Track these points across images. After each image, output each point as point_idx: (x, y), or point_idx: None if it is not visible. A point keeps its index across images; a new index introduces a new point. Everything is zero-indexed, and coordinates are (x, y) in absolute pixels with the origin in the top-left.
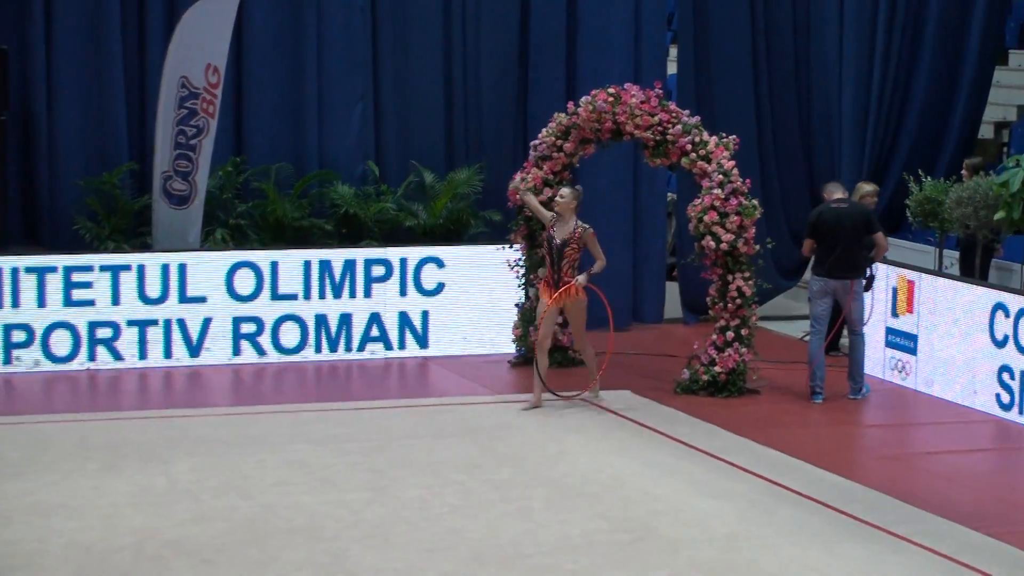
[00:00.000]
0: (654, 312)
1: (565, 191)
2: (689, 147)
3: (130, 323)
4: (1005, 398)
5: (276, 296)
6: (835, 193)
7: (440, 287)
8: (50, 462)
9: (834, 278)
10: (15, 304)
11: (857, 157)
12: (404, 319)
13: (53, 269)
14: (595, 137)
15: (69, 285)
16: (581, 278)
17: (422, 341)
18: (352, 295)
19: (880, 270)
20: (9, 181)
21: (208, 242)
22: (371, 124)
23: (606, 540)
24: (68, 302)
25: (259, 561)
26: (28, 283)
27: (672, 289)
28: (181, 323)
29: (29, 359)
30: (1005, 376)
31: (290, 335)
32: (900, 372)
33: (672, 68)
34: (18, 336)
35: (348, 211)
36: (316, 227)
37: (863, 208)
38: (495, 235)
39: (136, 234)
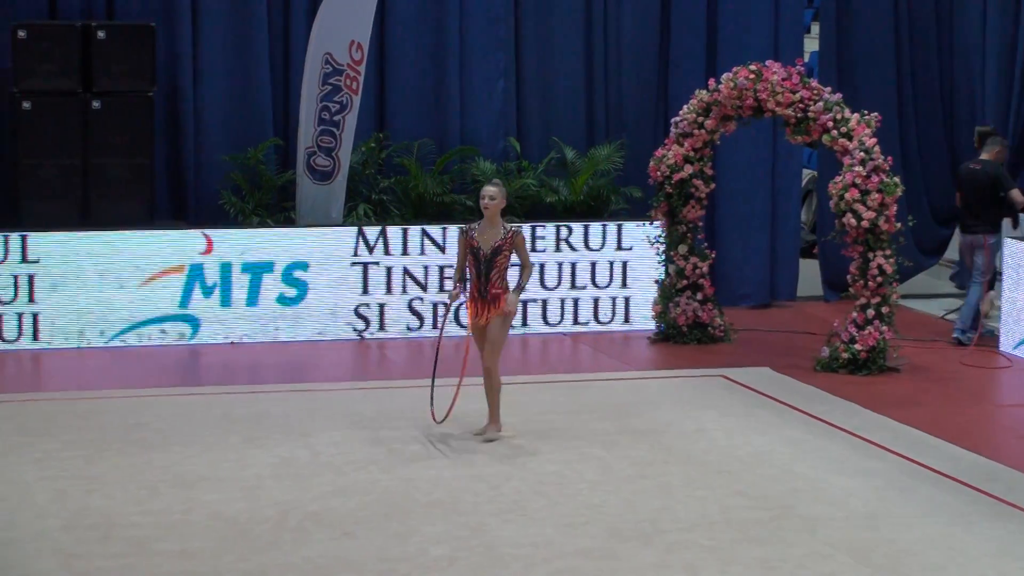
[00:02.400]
0: (789, 290)
1: (492, 189)
2: (831, 124)
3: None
4: None
5: None
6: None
7: (575, 264)
8: (194, 434)
9: (966, 233)
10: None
11: (1001, 132)
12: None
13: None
14: (736, 114)
15: None
16: (512, 299)
17: (555, 318)
18: None
19: None
20: (156, 157)
21: (351, 217)
22: (513, 101)
23: (744, 517)
24: None
25: (399, 534)
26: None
27: (811, 267)
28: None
29: (174, 332)
30: None
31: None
32: None
33: (812, 45)
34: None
35: None
36: (457, 202)
37: (993, 169)
38: (636, 211)
39: (280, 209)
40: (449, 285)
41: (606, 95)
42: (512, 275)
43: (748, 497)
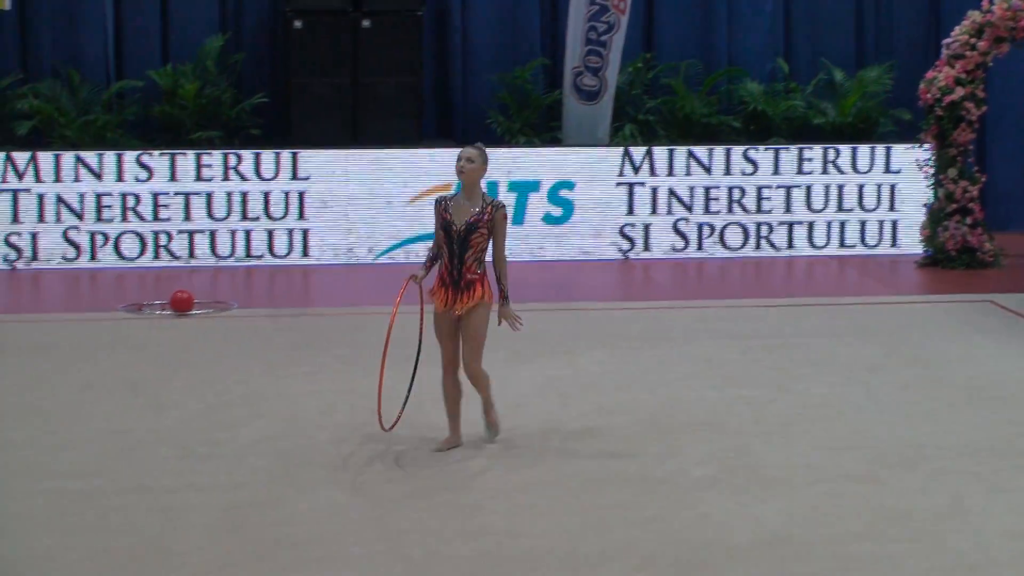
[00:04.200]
0: None
1: (471, 151)
2: None
3: None
4: None
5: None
6: None
7: (842, 187)
8: None
9: None
10: None
11: None
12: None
13: None
14: (1009, 35)
15: None
16: (508, 311)
17: (821, 240)
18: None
19: None
20: (424, 76)
21: (616, 137)
22: (781, 21)
23: (1013, 446)
24: None
25: (661, 453)
26: None
27: None
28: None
29: None
30: None
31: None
32: None
33: None
34: None
35: (756, 108)
36: (724, 124)
37: None
38: (904, 134)
39: (546, 128)
40: None
41: (876, 16)
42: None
43: (1017, 424)
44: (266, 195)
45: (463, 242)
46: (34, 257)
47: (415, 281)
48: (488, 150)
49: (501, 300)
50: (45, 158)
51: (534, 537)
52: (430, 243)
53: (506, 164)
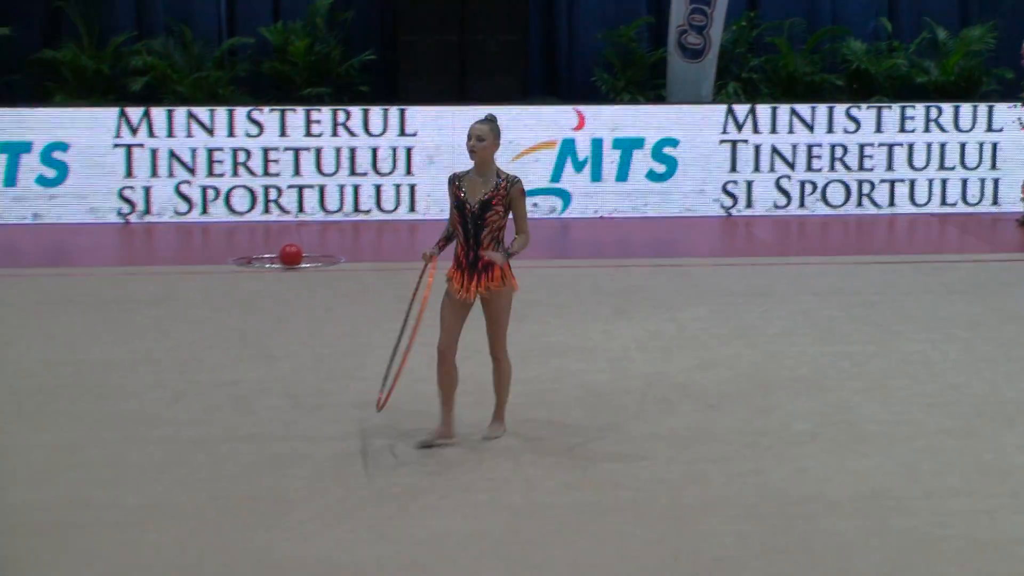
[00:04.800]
0: None
1: (481, 127)
2: None
3: None
4: None
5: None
6: None
7: (944, 145)
8: (564, 306)
9: None
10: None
11: None
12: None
13: None
14: None
15: None
16: (497, 256)
17: (922, 198)
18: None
19: None
20: (530, 34)
21: (720, 95)
22: None
23: None
24: None
25: (762, 408)
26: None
27: None
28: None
29: (546, 205)
30: None
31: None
32: None
33: None
34: None
35: (859, 67)
36: (827, 82)
37: None
38: (1007, 93)
39: (651, 86)
40: None
41: None
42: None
43: None
44: (374, 151)
45: (478, 220)
46: (147, 211)
47: (425, 259)
48: (593, 107)
49: (504, 250)
50: (158, 114)
51: (637, 489)
52: (536, 198)
53: (611, 121)
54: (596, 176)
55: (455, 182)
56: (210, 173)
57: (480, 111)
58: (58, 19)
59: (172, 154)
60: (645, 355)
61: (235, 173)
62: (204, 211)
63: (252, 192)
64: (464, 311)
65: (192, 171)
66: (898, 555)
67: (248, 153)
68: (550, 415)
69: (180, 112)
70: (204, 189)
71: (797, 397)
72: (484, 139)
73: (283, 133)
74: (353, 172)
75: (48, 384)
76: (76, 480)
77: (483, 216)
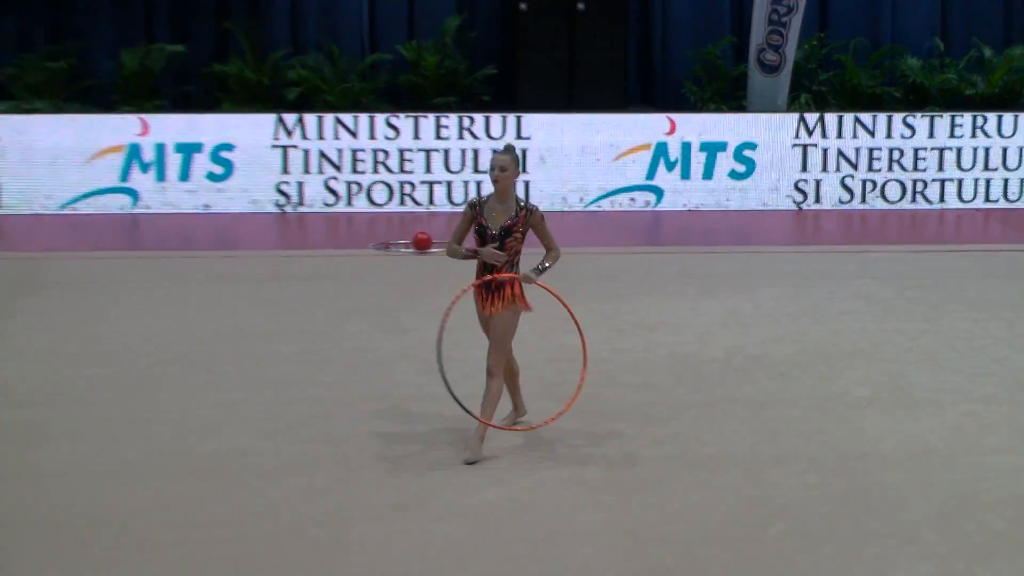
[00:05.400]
0: None
1: (503, 158)
2: None
3: None
4: None
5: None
6: None
7: (988, 149)
8: (655, 286)
9: None
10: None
11: None
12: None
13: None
14: None
15: None
16: (529, 275)
17: (969, 195)
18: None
19: None
20: (629, 51)
21: (793, 105)
22: (938, 3)
23: None
24: None
25: (826, 376)
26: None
27: None
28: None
29: (641, 200)
30: None
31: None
32: None
33: None
34: None
35: (915, 80)
36: (887, 94)
37: None
38: None
39: (733, 97)
40: None
41: None
42: (528, 264)
43: None
44: (494, 152)
45: (498, 246)
46: (300, 203)
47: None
48: (683, 115)
49: (535, 268)
50: (310, 119)
51: (718, 444)
52: (633, 193)
53: (698, 127)
54: (685, 175)
55: (476, 208)
56: (354, 170)
57: (586, 117)
58: (225, 38)
59: (322, 154)
60: (726, 330)
61: (375, 171)
62: (349, 203)
63: (390, 187)
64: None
65: (339, 169)
66: (942, 505)
67: (386, 153)
68: (643, 380)
69: (328, 118)
70: (349, 184)
71: (857, 367)
72: (507, 169)
73: (416, 136)
74: (476, 170)
75: (215, 351)
76: (237, 433)
77: (503, 241)
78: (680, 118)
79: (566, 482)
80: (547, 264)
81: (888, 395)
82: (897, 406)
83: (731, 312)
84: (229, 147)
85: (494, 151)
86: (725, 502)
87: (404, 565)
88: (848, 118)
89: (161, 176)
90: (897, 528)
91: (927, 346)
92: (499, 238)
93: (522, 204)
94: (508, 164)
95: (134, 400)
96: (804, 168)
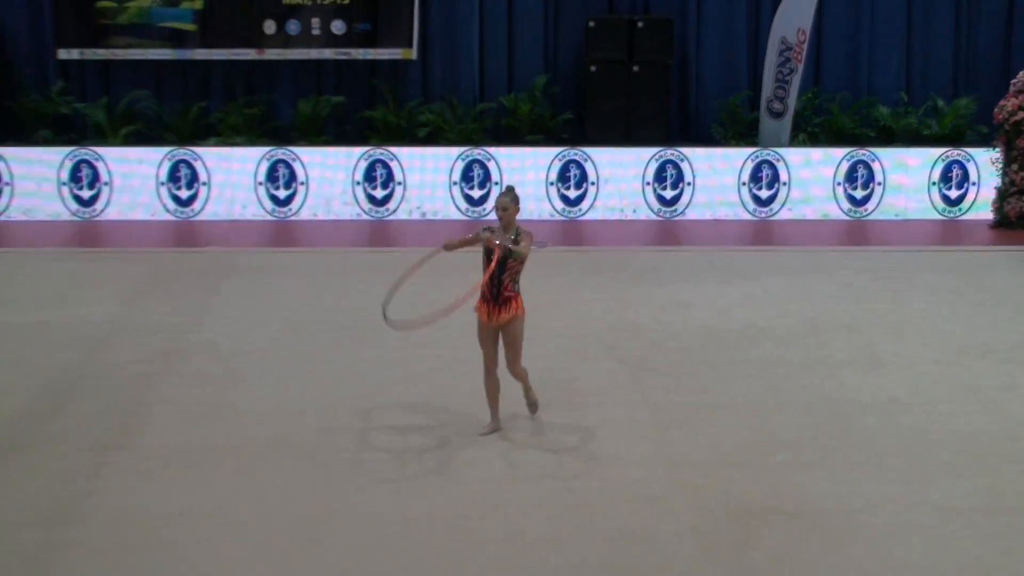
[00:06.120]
0: None
1: (505, 200)
2: None
3: None
4: None
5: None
6: None
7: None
8: (687, 277)
9: None
10: None
11: None
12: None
13: None
14: None
15: None
16: (505, 241)
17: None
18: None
19: None
20: (671, 101)
21: (794, 142)
22: (904, 65)
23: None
24: None
25: (817, 344)
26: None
27: None
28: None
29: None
30: None
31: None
32: None
33: None
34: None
35: (886, 124)
36: (864, 134)
37: None
38: (984, 141)
39: (748, 136)
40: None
41: (967, 62)
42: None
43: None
44: None
45: (502, 267)
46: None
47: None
48: (710, 150)
49: (511, 239)
50: (434, 152)
51: (735, 394)
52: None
53: (723, 159)
54: None
55: (486, 233)
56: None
57: (641, 151)
58: (373, 91)
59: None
60: (741, 308)
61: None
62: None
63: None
64: (495, 335)
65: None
66: (903, 440)
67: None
68: (680, 344)
69: (449, 152)
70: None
71: (838, 337)
72: (508, 208)
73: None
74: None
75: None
76: (372, 386)
77: (506, 262)
78: (709, 151)
79: (621, 421)
80: (520, 244)
81: (863, 358)
82: (870, 366)
83: (745, 295)
84: None
85: (500, 193)
86: (740, 437)
87: None
88: (835, 152)
89: None
90: (869, 457)
91: (892, 322)
92: (503, 260)
93: (521, 231)
94: (508, 204)
95: (305, 356)
96: None
